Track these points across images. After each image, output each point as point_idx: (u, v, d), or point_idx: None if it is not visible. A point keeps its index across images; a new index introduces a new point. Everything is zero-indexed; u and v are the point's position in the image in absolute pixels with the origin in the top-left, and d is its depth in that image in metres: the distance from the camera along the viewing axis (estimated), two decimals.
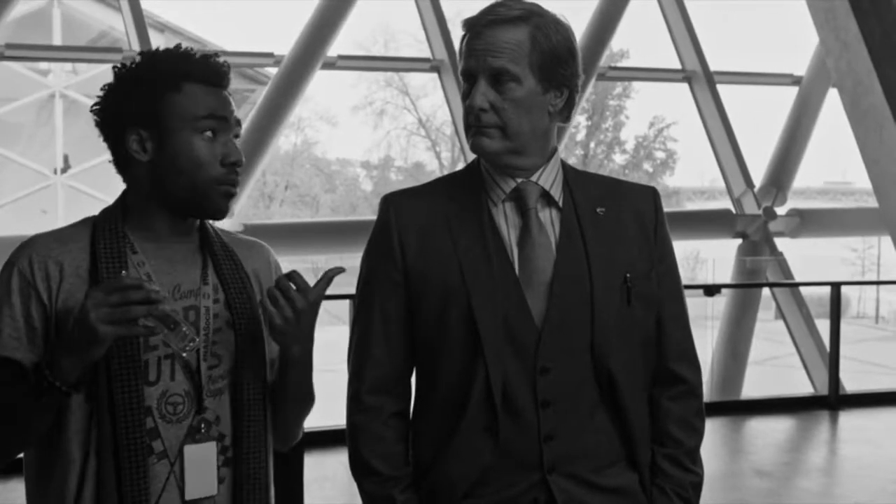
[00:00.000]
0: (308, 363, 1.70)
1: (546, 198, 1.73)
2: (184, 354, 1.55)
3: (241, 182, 1.68)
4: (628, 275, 1.72)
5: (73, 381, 1.50)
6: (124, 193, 1.68)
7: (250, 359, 1.67)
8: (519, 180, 1.71)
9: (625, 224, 1.75)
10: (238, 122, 1.67)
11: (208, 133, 1.61)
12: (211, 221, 1.75)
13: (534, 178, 1.72)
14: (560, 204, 1.73)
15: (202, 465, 1.62)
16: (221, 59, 1.66)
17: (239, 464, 1.66)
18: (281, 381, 1.71)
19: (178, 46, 1.66)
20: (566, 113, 1.72)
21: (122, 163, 1.65)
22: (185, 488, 1.61)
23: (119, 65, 1.65)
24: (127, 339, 1.55)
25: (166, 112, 1.60)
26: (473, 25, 1.66)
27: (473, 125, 1.67)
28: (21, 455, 1.65)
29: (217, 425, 1.65)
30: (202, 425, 1.62)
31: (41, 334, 1.58)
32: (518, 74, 1.64)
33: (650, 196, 1.80)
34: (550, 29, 1.66)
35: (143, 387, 1.57)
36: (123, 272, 1.56)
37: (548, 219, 1.73)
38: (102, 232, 1.62)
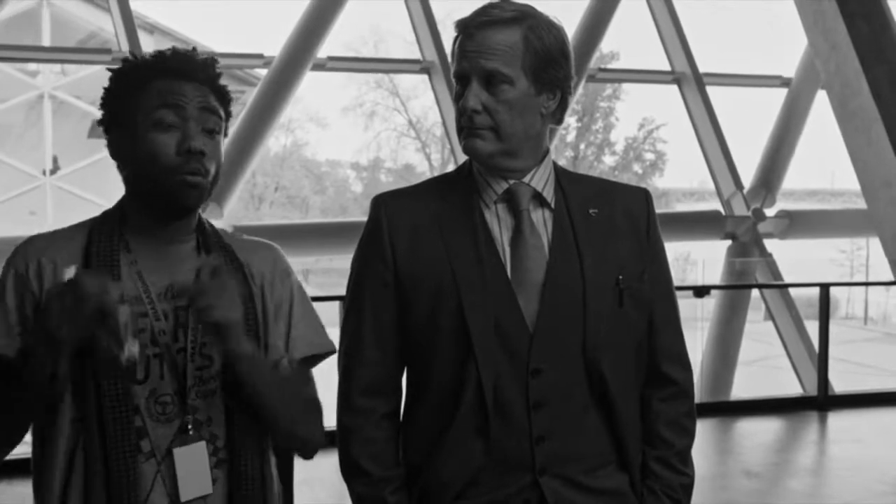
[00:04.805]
0: (260, 363, 1.63)
1: (538, 199, 1.72)
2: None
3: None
4: (620, 276, 1.71)
5: (49, 374, 1.48)
6: (123, 196, 1.68)
7: None
8: (511, 181, 1.71)
9: (617, 225, 1.75)
10: (213, 111, 1.61)
11: (167, 124, 1.58)
12: (213, 223, 1.75)
13: (526, 180, 1.71)
14: (552, 205, 1.73)
15: (194, 465, 1.61)
16: (199, 54, 1.63)
17: (233, 465, 1.64)
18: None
19: (167, 49, 1.65)
20: (559, 115, 1.71)
21: (117, 166, 1.66)
22: (178, 489, 1.59)
23: (109, 69, 1.65)
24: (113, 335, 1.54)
25: (132, 112, 1.60)
26: (466, 27, 1.65)
27: (466, 127, 1.66)
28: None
29: (209, 426, 1.63)
30: (190, 426, 1.61)
31: None
32: (511, 76, 1.63)
33: (643, 197, 1.80)
34: (543, 30, 1.65)
35: (129, 384, 1.56)
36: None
37: (540, 220, 1.72)
38: (99, 232, 1.63)
